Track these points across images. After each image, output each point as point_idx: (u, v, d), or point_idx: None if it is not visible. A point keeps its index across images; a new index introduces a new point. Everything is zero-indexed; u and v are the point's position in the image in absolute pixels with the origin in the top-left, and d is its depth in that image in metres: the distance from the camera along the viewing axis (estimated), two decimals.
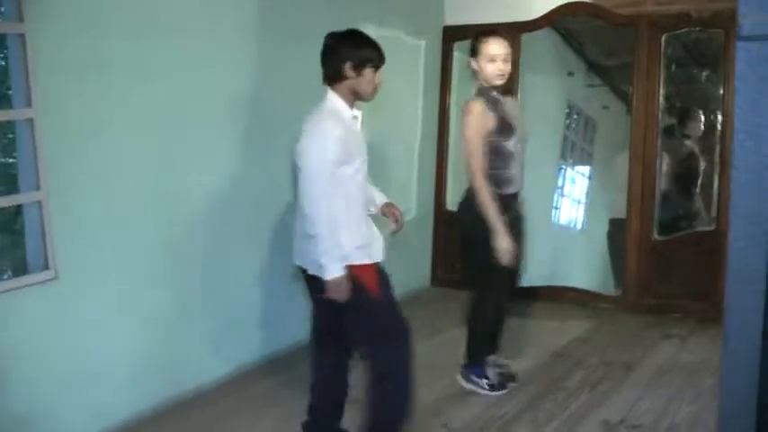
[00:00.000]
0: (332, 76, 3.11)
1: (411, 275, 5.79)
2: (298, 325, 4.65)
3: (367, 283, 3.09)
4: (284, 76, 4.42)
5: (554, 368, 4.35)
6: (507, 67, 3.77)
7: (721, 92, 5.22)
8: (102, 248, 3.45)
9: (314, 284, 3.18)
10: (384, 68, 5.27)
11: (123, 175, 3.51)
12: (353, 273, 3.06)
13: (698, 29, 5.26)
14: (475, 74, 3.83)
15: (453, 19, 6.07)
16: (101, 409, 3.47)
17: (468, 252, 3.96)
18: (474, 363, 4.01)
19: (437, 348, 4.55)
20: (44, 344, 3.23)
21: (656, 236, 5.44)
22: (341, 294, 3.05)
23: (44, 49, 3.15)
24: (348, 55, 3.06)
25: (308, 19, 4.55)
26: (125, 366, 3.59)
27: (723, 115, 5.22)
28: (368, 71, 3.10)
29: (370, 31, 5.10)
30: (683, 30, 5.30)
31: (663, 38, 5.31)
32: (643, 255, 5.44)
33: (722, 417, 1.28)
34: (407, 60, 5.73)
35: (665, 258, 5.38)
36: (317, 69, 4.59)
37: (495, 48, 3.74)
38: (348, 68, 3.07)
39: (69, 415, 3.33)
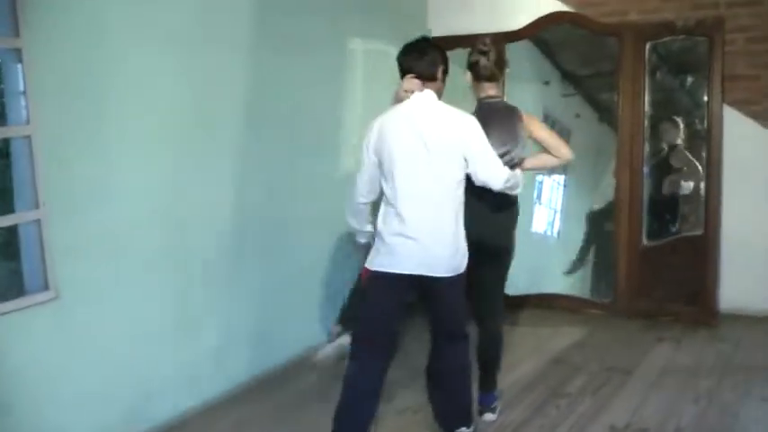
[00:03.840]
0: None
1: None
2: (293, 340, 4.67)
3: None
4: (278, 88, 4.42)
5: (554, 374, 4.37)
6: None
7: (705, 98, 5.30)
8: (103, 266, 3.40)
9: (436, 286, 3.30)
10: (371, 79, 5.34)
11: (123, 192, 3.47)
12: None
13: (682, 37, 5.34)
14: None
15: (437, 30, 6.10)
16: (107, 429, 3.42)
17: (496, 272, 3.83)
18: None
19: None
20: (47, 364, 3.17)
21: (645, 241, 5.50)
22: None
23: (42, 65, 3.10)
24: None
25: (298, 32, 4.56)
26: (129, 385, 3.54)
27: (708, 121, 5.29)
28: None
29: (358, 44, 5.17)
30: (667, 38, 5.39)
31: (647, 46, 5.39)
32: (633, 260, 5.49)
33: None
34: (393, 71, 5.73)
35: (655, 263, 5.45)
36: (308, 80, 4.65)
37: None
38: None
39: None
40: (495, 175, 3.29)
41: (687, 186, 5.53)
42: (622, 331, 5.18)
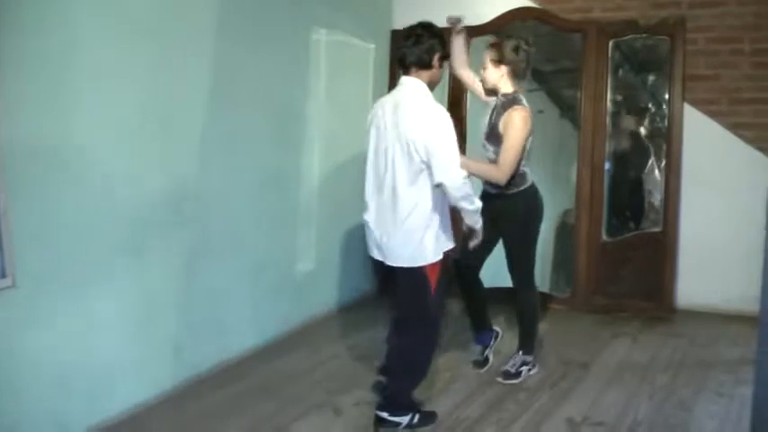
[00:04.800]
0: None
1: (364, 276, 5.81)
2: (253, 331, 4.64)
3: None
4: (242, 79, 4.39)
5: None
6: (485, 73, 4.06)
7: (667, 96, 5.38)
8: (65, 255, 3.34)
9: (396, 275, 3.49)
10: (336, 71, 5.32)
11: (85, 181, 3.41)
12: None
13: (644, 35, 5.41)
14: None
15: (401, 23, 6.07)
16: (62, 420, 3.36)
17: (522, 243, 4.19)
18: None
19: None
20: (2, 353, 3.10)
21: (604, 237, 5.56)
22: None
23: (1, 45, 3.02)
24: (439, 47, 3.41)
25: (262, 23, 4.52)
26: (87, 376, 3.48)
27: (669, 119, 5.36)
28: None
29: (322, 35, 5.14)
30: (630, 36, 5.45)
31: (610, 43, 5.45)
32: (592, 256, 5.55)
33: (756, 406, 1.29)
34: (358, 63, 5.75)
35: (614, 259, 5.51)
36: (272, 71, 4.61)
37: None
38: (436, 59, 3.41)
39: (30, 426, 3.22)
40: (447, 179, 3.26)
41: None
42: (581, 326, 5.24)
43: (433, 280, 3.42)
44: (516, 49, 3.96)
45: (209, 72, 4.15)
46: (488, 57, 4.00)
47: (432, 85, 3.44)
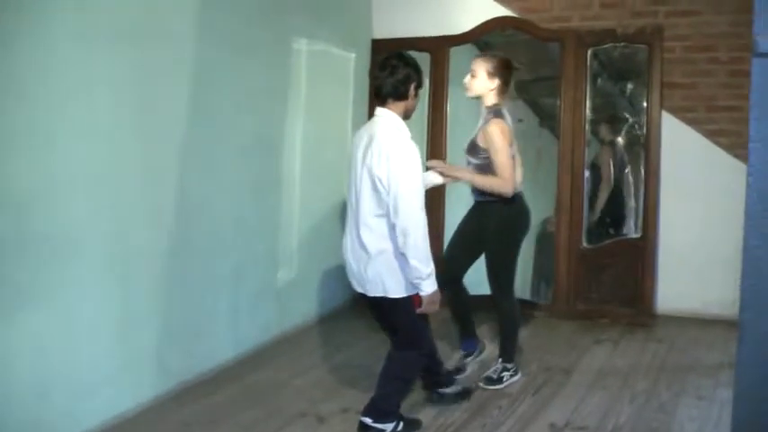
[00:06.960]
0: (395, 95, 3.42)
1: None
2: (234, 339, 4.63)
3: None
4: (222, 87, 4.39)
5: None
6: (471, 81, 4.10)
7: (645, 104, 5.44)
8: (42, 265, 3.31)
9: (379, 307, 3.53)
10: (316, 80, 5.34)
11: (63, 191, 3.38)
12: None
13: (622, 44, 5.48)
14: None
15: (381, 32, 6.13)
16: (44, 428, 3.34)
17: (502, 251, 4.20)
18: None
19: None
20: None
21: (584, 244, 5.60)
22: (436, 307, 3.42)
23: None
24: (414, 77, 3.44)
25: (242, 32, 4.53)
26: (67, 386, 3.46)
27: (647, 127, 5.42)
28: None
29: (303, 44, 5.16)
30: (608, 45, 5.51)
31: (589, 52, 5.51)
32: (573, 263, 5.59)
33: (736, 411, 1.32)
34: (338, 72, 5.77)
35: (594, 266, 5.56)
36: (252, 80, 4.62)
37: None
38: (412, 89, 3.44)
39: None
40: (397, 220, 3.25)
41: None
42: (562, 332, 5.27)
43: (415, 301, 3.44)
44: (510, 66, 4.08)
45: (190, 80, 4.15)
46: (483, 67, 4.04)
47: (407, 114, 3.48)
